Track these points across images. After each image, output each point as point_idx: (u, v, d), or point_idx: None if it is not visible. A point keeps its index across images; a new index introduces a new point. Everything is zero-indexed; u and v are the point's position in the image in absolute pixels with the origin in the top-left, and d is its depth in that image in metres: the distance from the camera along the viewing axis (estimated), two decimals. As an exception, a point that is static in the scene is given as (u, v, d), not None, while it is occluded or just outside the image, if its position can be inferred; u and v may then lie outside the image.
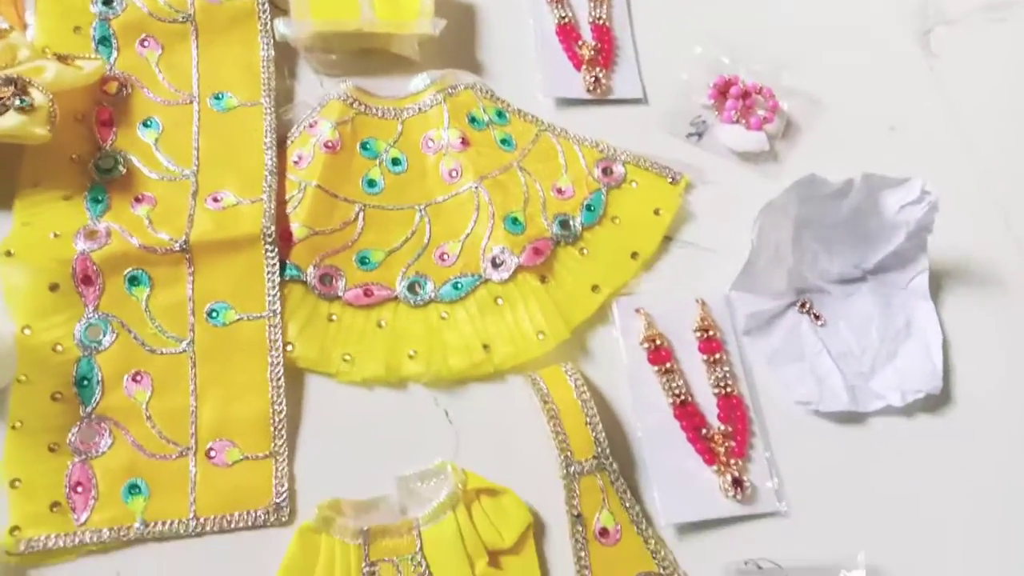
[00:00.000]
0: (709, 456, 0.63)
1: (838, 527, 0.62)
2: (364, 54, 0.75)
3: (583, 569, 0.58)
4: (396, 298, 0.66)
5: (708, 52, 0.79)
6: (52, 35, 0.71)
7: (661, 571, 0.59)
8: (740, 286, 0.69)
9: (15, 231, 0.63)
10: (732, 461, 0.63)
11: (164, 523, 0.58)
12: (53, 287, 0.62)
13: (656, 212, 0.72)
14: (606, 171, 0.73)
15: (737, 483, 0.62)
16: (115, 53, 0.71)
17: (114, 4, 0.72)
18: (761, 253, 0.67)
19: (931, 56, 0.83)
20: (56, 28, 0.71)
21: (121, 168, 0.67)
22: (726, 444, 0.63)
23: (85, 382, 0.60)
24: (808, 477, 0.64)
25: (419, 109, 0.72)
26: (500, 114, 0.74)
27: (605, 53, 0.78)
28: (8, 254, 0.61)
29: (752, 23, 0.82)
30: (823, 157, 0.76)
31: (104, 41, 0.71)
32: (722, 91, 0.76)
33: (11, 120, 0.62)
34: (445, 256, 0.68)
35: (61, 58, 0.68)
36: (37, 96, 0.64)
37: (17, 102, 0.62)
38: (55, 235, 0.63)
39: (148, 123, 0.69)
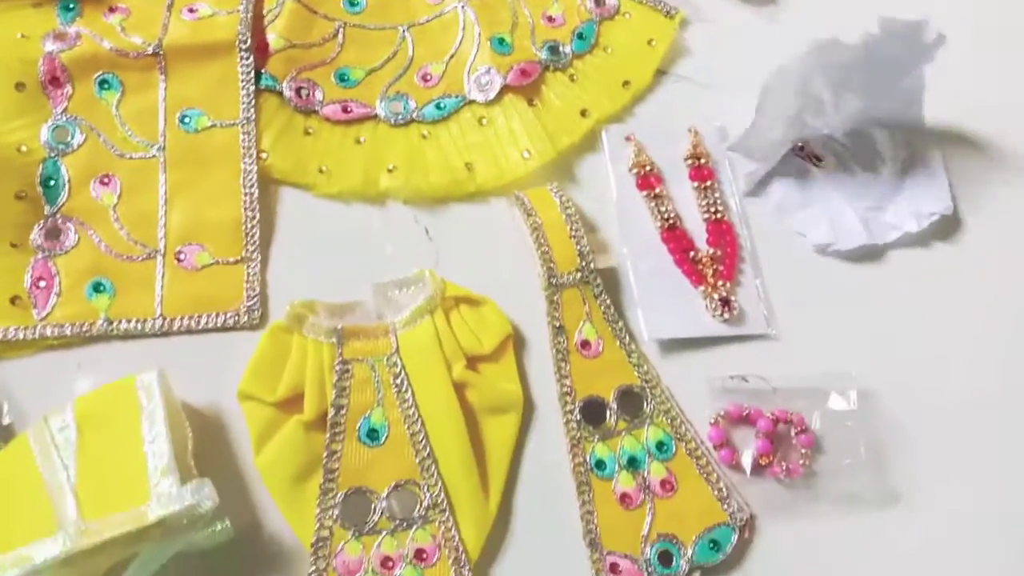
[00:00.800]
0: (696, 277, 0.61)
1: (828, 354, 0.59)
2: None
3: (563, 379, 0.56)
4: (376, 116, 0.64)
5: None
6: None
7: (644, 384, 0.57)
8: (740, 148, 0.66)
9: (-23, 29, 0.61)
10: (720, 283, 0.60)
11: (129, 321, 0.56)
12: (19, 86, 0.59)
13: (650, 43, 0.69)
14: (598, 2, 0.70)
15: (725, 303, 0.60)
16: None
17: None
18: (765, 116, 0.64)
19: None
20: None
21: (90, -22, 0.65)
22: (714, 267, 0.61)
23: (51, 182, 0.58)
24: (799, 306, 0.61)
25: (403, -71, 0.70)
26: (488, -58, 0.71)
27: None
28: (-29, 49, 0.59)
29: None
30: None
31: None
32: (721, -72, 0.74)
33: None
34: (428, 77, 0.66)
35: None
36: None
37: None
38: (22, 35, 0.61)
39: (122, -64, 0.67)
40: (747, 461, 0.55)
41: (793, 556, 0.54)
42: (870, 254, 0.64)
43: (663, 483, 0.54)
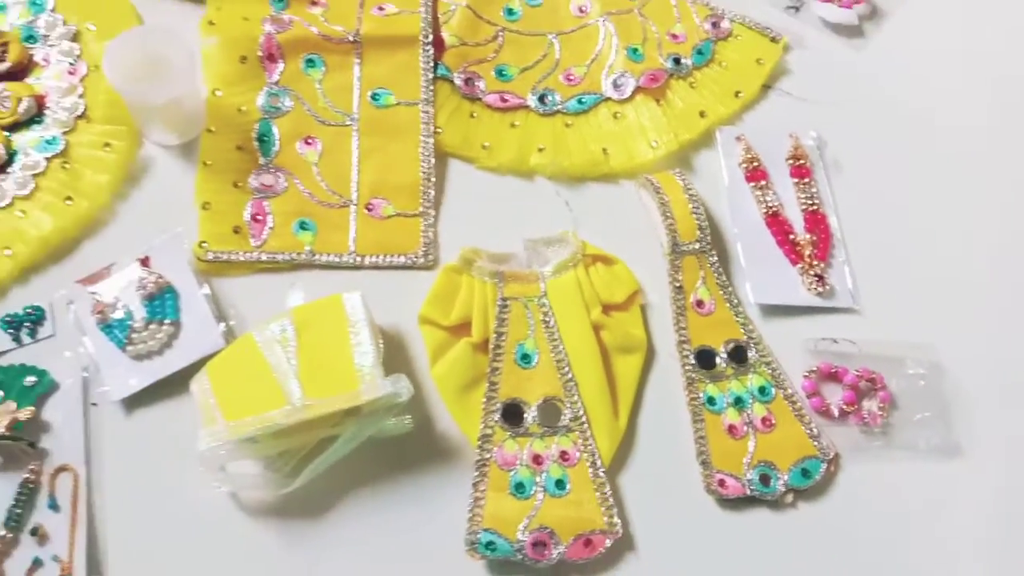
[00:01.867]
0: (795, 256, 0.71)
1: (904, 326, 0.70)
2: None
3: (681, 330, 0.67)
4: (527, 106, 0.76)
5: (810, -63, 0.88)
6: None
7: (748, 339, 0.68)
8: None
9: (211, 9, 0.74)
10: (815, 262, 0.71)
11: (328, 255, 0.68)
12: (242, 59, 0.72)
13: (758, 61, 0.80)
14: (715, 24, 0.82)
15: (819, 279, 0.70)
16: None
17: None
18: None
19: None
20: None
21: (297, -27, 0.78)
22: (811, 249, 0.72)
23: (264, 139, 0.71)
24: (880, 285, 0.72)
25: (556, -45, 0.82)
26: (624, -32, 0.84)
27: (718, -69, 0.87)
28: (210, 23, 0.72)
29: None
30: (902, 35, 0.85)
31: None
32: (820, -31, 0.86)
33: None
34: (571, 77, 0.78)
35: None
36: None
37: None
38: (244, 18, 0.74)
39: (323, -56, 0.80)
40: (834, 409, 0.66)
41: (870, 491, 0.64)
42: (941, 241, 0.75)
43: (764, 420, 0.65)
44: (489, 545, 0.58)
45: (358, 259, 0.68)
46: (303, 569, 0.58)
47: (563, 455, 0.62)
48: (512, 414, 0.62)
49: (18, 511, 0.57)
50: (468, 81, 0.75)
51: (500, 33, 0.78)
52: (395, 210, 0.70)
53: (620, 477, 0.62)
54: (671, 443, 0.64)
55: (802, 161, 0.76)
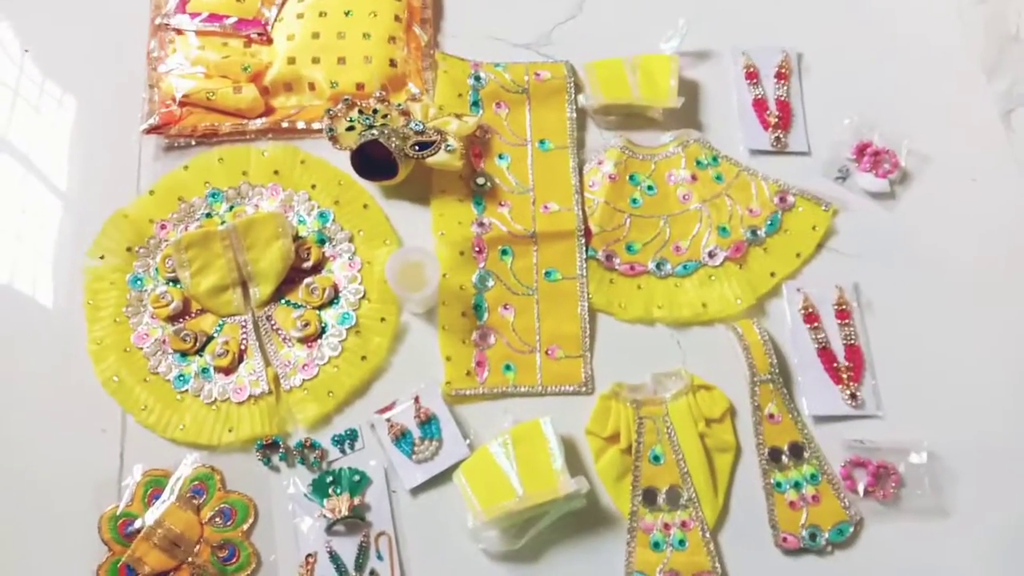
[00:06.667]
0: (837, 379, 1.05)
1: (914, 428, 1.03)
2: (628, 116, 1.19)
3: (759, 435, 1.02)
4: (648, 272, 1.11)
5: (854, 122, 1.18)
6: (446, 99, 1.17)
7: (804, 440, 1.02)
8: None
9: (436, 219, 1.11)
10: (851, 384, 1.04)
11: (525, 387, 1.05)
12: (461, 253, 1.09)
13: (813, 228, 1.13)
14: (782, 199, 1.14)
15: (853, 396, 1.04)
16: (482, 111, 1.17)
17: (481, 80, 1.18)
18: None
19: (1010, 130, 1.20)
20: (447, 95, 1.18)
21: (488, 184, 1.14)
22: (848, 374, 1.05)
23: (478, 308, 1.08)
24: (897, 398, 1.05)
25: (666, 155, 1.16)
26: (715, 159, 1.16)
27: (784, 120, 1.19)
28: (441, 235, 1.09)
29: (884, 103, 1.21)
30: (927, 198, 1.15)
31: (475, 104, 1.18)
32: (861, 150, 1.16)
33: (443, 157, 1.09)
34: (679, 248, 1.12)
35: (457, 115, 1.14)
36: (454, 142, 1.10)
37: (445, 146, 1.09)
38: (459, 223, 1.11)
39: (501, 156, 1.16)
40: (860, 489, 0.99)
41: (885, 545, 0.98)
42: (945, 364, 1.07)
43: (813, 497, 0.99)
44: (638, 580, 0.96)
45: (544, 389, 1.05)
46: (525, 593, 0.97)
47: (683, 523, 0.98)
48: (649, 497, 0.99)
49: (360, 561, 0.96)
50: (608, 257, 1.11)
51: (628, 218, 1.13)
52: (564, 354, 1.06)
53: (720, 536, 0.98)
54: (752, 514, 0.99)
55: (844, 306, 1.09)
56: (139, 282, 1.08)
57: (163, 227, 1.10)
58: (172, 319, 1.06)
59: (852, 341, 1.07)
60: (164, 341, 1.05)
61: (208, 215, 1.12)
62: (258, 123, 1.16)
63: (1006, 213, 1.15)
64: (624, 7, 1.27)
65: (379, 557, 0.97)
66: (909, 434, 1.02)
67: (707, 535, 0.97)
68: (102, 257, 1.08)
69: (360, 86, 1.17)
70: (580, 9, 1.27)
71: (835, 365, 1.06)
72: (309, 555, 0.96)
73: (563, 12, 1.27)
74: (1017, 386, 1.06)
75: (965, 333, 1.08)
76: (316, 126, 1.15)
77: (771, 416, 1.03)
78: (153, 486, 0.98)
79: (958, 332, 1.08)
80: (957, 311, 1.09)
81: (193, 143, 1.15)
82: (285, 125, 1.16)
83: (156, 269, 1.08)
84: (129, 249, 1.09)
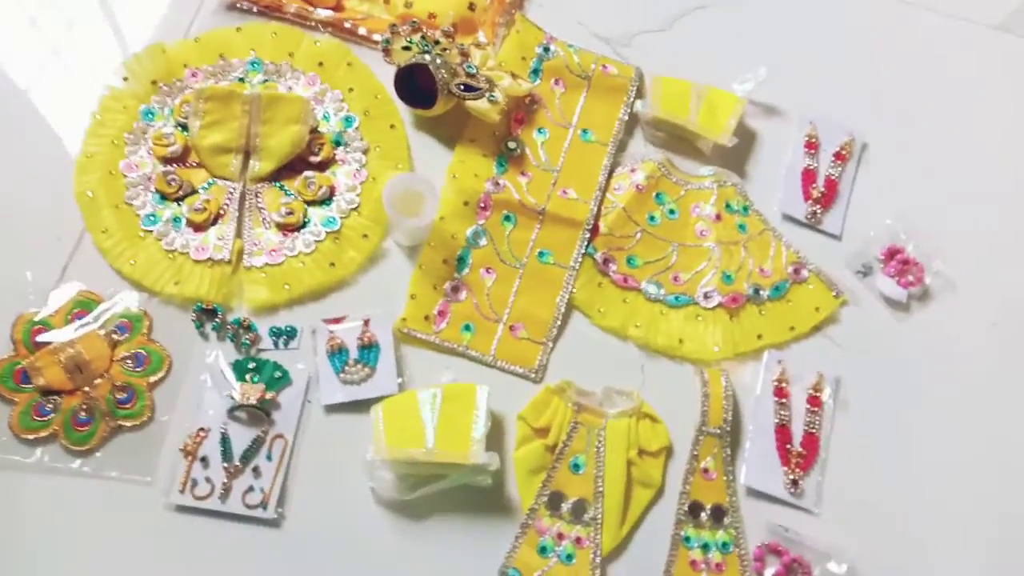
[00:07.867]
0: (784, 461, 1.00)
1: (844, 535, 0.97)
2: (677, 139, 1.16)
3: (686, 485, 0.97)
4: (639, 289, 1.07)
5: (893, 224, 1.14)
6: (509, 58, 1.15)
7: (729, 506, 0.97)
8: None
9: (455, 163, 1.09)
10: (797, 470, 0.99)
11: (477, 352, 1.01)
12: (465, 203, 1.07)
13: (817, 309, 1.09)
14: (796, 271, 1.10)
15: (795, 483, 0.99)
16: (539, 81, 1.15)
17: (549, 52, 1.16)
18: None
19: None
20: (512, 54, 1.16)
21: (518, 151, 1.11)
22: (798, 460, 1.00)
23: (461, 260, 1.05)
24: (839, 500, 1.00)
25: (699, 187, 1.13)
26: (745, 208, 1.13)
27: (828, 198, 1.16)
28: (454, 177, 1.07)
29: (930, 217, 1.16)
30: (939, 324, 1.11)
31: (535, 72, 1.16)
32: (891, 253, 1.12)
33: (483, 105, 1.07)
34: (677, 278, 1.08)
35: (513, 75, 1.12)
36: (499, 95, 1.08)
37: (489, 95, 1.07)
38: (475, 175, 1.08)
39: (541, 130, 1.13)
40: (768, 575, 0.94)
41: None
42: (894, 482, 1.01)
43: (717, 565, 0.94)
44: (512, 577, 0.91)
45: (494, 360, 1.01)
46: (392, 540, 0.92)
47: (578, 539, 0.93)
48: (555, 500, 0.94)
49: (248, 453, 0.93)
50: (605, 261, 1.07)
51: (640, 232, 1.10)
52: (527, 335, 1.03)
53: (610, 567, 0.93)
54: (651, 557, 0.94)
55: (818, 394, 1.04)
56: (151, 115, 1.06)
57: (194, 75, 1.09)
58: (167, 161, 1.04)
59: (814, 430, 1.02)
60: (150, 178, 1.03)
61: (241, 79, 1.10)
62: (323, 14, 1.15)
63: (1015, 372, 1.10)
64: (712, 40, 1.24)
65: (268, 457, 0.93)
66: (837, 540, 0.97)
67: (598, 560, 0.92)
68: (125, 78, 1.07)
69: (432, 16, 1.15)
70: (670, 26, 1.25)
71: (788, 447, 1.01)
72: (202, 429, 0.93)
73: (653, 22, 1.25)
74: (968, 530, 1.00)
75: (929, 467, 1.03)
76: (376, 37, 1.14)
77: (706, 471, 0.98)
78: (81, 307, 0.96)
79: (922, 463, 1.03)
80: (928, 443, 1.04)
81: (255, 10, 1.15)
82: (348, 25, 1.15)
83: (171, 110, 1.07)
84: (154, 82, 1.08)
